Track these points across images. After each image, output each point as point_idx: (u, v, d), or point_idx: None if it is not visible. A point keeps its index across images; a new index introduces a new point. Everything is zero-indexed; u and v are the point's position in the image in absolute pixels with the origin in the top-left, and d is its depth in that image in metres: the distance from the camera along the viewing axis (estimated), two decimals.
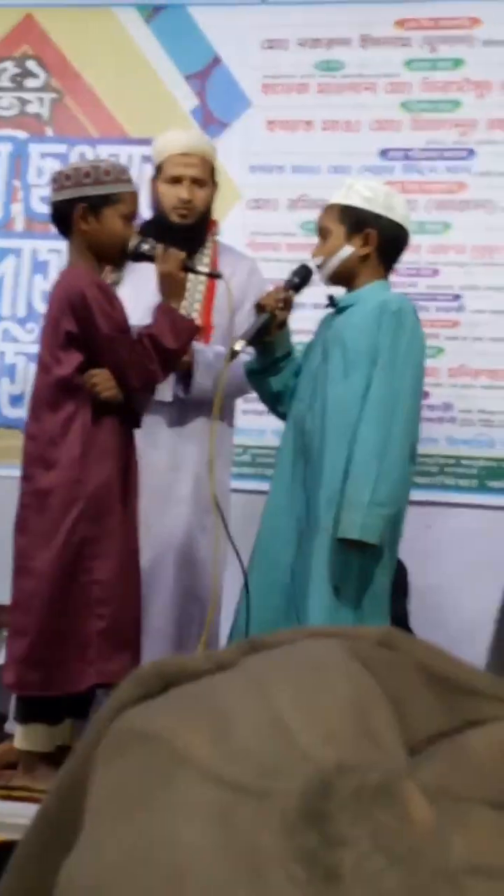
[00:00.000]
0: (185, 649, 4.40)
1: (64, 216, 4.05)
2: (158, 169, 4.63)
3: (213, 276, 4.36)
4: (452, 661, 0.53)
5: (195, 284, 4.54)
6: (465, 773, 0.48)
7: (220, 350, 4.43)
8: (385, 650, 0.54)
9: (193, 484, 4.53)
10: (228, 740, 0.49)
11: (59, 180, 4.09)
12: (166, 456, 4.52)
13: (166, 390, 4.43)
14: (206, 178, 4.61)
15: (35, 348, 5.66)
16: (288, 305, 4.23)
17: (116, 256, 4.10)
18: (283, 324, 4.25)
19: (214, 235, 4.71)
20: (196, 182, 4.57)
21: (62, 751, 4.01)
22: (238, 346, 4.13)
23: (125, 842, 0.48)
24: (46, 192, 5.78)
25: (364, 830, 0.45)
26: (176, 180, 4.55)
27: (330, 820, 0.45)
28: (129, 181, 4.12)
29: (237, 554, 4.10)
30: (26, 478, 4.06)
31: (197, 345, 4.42)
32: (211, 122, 5.86)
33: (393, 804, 0.46)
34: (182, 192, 4.54)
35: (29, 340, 5.87)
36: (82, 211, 4.00)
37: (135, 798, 0.49)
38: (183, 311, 4.23)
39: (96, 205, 4.01)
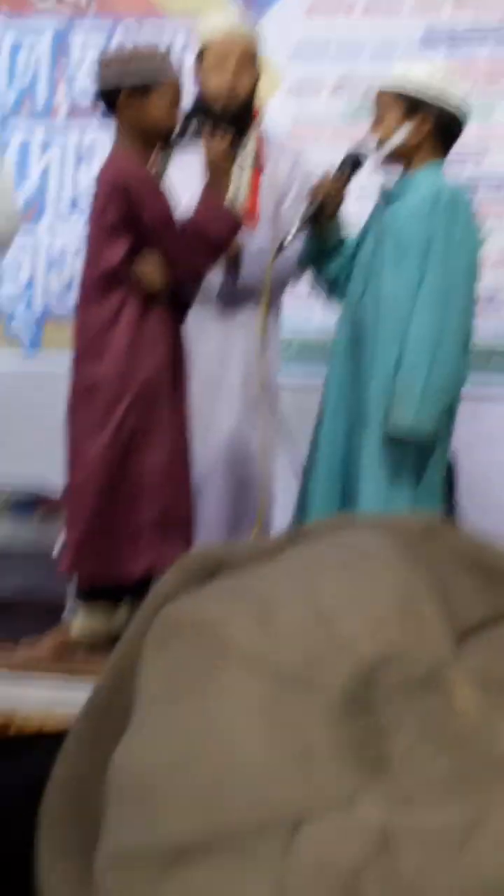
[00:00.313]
0: (239, 539, 4.41)
1: (110, 101, 4.02)
2: (200, 55, 4.57)
3: (259, 168, 4.31)
4: (496, 550, 0.54)
5: (241, 172, 4.49)
6: None
7: (265, 245, 4.39)
8: (430, 540, 0.54)
9: (243, 376, 4.51)
10: (274, 630, 0.50)
11: (105, 64, 4.06)
12: (215, 347, 4.50)
13: (213, 283, 4.41)
14: (248, 64, 4.54)
15: (80, 238, 5.67)
16: (340, 194, 4.19)
17: (163, 141, 4.07)
18: (335, 212, 4.22)
19: (258, 125, 4.65)
20: (239, 68, 4.50)
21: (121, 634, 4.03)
22: (288, 237, 4.11)
23: (174, 733, 0.50)
24: (90, 76, 5.76)
25: (411, 718, 0.46)
26: (219, 66, 4.49)
27: (377, 709, 0.46)
28: (172, 68, 4.08)
29: (291, 442, 4.10)
30: (75, 370, 4.06)
31: (245, 234, 4.39)
32: (251, 5, 5.77)
33: (439, 693, 0.47)
34: (225, 77, 4.48)
35: (75, 230, 5.83)
36: (127, 95, 3.97)
37: (183, 686, 0.50)
38: (228, 201, 4.20)
39: (141, 89, 3.97)
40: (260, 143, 4.60)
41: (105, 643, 4.06)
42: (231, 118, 4.36)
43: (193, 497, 4.17)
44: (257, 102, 4.63)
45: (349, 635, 0.48)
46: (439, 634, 0.49)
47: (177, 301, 4.07)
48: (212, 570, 0.55)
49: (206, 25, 4.64)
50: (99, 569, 3.99)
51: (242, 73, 4.50)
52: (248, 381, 4.49)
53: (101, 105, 4.08)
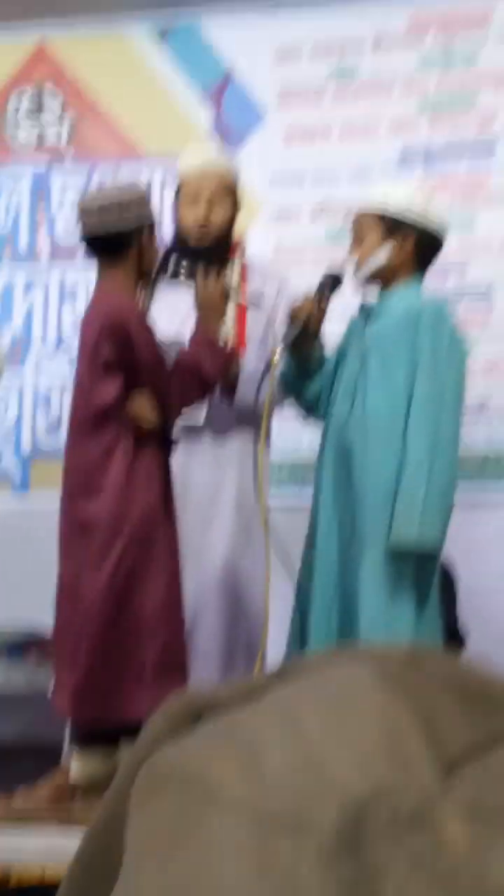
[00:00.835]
0: (234, 670, 4.38)
1: (120, 242, 4.02)
2: (178, 191, 4.60)
3: (253, 304, 4.34)
4: (484, 677, 0.53)
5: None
6: (497, 788, 0.47)
7: (255, 371, 4.40)
8: (414, 670, 0.53)
9: (235, 505, 4.50)
10: (261, 773, 0.49)
11: (120, 206, 4.04)
12: (209, 476, 4.50)
13: (198, 414, 4.41)
14: (224, 197, 4.55)
15: (66, 376, 5.69)
16: (320, 313, 4.21)
17: (148, 278, 4.13)
18: (317, 332, 4.23)
19: (241, 256, 4.65)
20: (213, 202, 4.52)
21: None
22: (276, 357, 4.13)
23: (165, 883, 0.48)
24: (69, 219, 5.84)
25: (401, 857, 0.45)
26: (193, 200, 4.52)
27: (367, 848, 0.46)
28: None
29: (286, 568, 4.08)
30: (68, 508, 4.05)
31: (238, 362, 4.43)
32: (228, 137, 5.86)
33: (428, 828, 0.47)
34: (198, 211, 4.50)
35: (61, 369, 5.87)
36: (149, 232, 4.02)
37: (172, 838, 0.49)
38: (221, 336, 4.23)
39: (148, 229, 4.04)
40: (244, 271, 4.62)
41: (104, 788, 3.99)
42: (207, 251, 4.39)
43: (188, 630, 4.15)
44: (237, 234, 4.64)
45: (336, 776, 0.47)
46: (426, 768, 0.48)
47: (165, 437, 4.08)
48: (197, 714, 0.54)
49: (182, 161, 4.68)
50: (100, 712, 3.94)
51: (216, 205, 4.50)
52: (240, 508, 4.47)
53: (91, 249, 4.10)
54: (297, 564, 4.18)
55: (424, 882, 0.45)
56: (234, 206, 4.58)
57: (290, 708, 0.51)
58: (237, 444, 4.52)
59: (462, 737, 0.50)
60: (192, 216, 4.49)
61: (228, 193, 4.57)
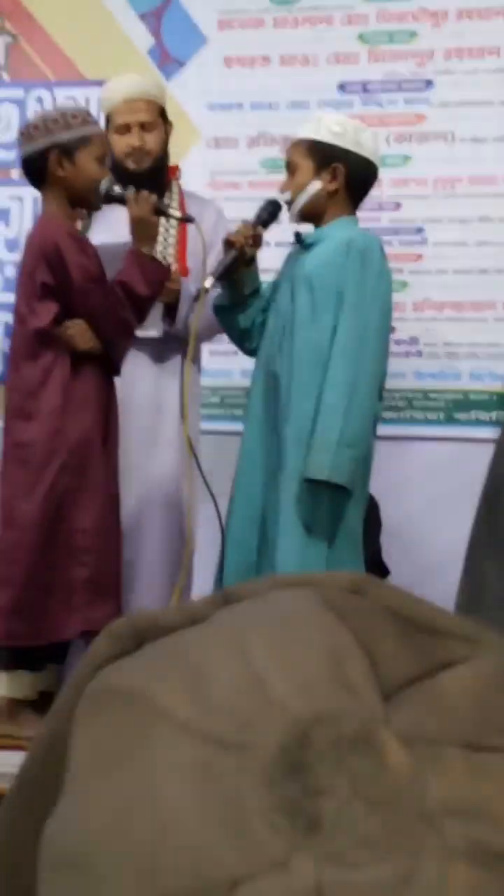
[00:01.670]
0: (172, 587, 4.41)
1: (37, 166, 4.03)
2: (108, 119, 4.59)
3: (186, 220, 4.32)
4: (422, 604, 0.54)
5: (167, 229, 4.52)
6: (439, 716, 0.49)
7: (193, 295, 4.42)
8: (355, 596, 0.54)
9: (177, 425, 4.53)
10: (205, 695, 0.49)
11: (28, 132, 4.08)
12: (149, 397, 4.51)
13: (153, 326, 4.41)
14: (155, 120, 4.56)
15: (1, 298, 5.65)
16: (257, 242, 4.22)
17: (92, 199, 4.09)
18: (251, 260, 4.24)
19: (177, 179, 4.67)
20: (144, 126, 4.52)
21: (45, 697, 4.03)
22: (207, 283, 4.14)
23: (106, 801, 0.49)
24: (6, 138, 5.78)
25: (343, 779, 0.46)
26: (125, 128, 4.51)
27: (309, 770, 0.46)
28: (96, 123, 4.14)
29: (212, 496, 4.11)
30: (7, 430, 4.06)
31: (184, 280, 4.42)
32: (167, 60, 5.81)
33: (370, 752, 0.47)
34: (131, 139, 4.50)
35: None
36: (57, 156, 3.99)
37: (114, 757, 0.50)
38: (157, 256, 4.22)
39: (69, 149, 4.01)
40: (181, 196, 4.63)
41: (29, 705, 4.04)
42: (144, 176, 4.39)
43: (129, 551, 4.17)
44: (175, 156, 4.65)
45: (280, 698, 0.48)
46: (369, 693, 0.49)
47: (107, 359, 4.08)
48: (141, 637, 0.55)
49: (107, 89, 4.66)
50: (31, 632, 3.96)
51: (149, 131, 4.52)
52: (180, 429, 4.50)
53: (29, 173, 4.09)
54: (224, 488, 4.21)
55: (365, 803, 0.45)
56: (166, 130, 4.59)
57: (235, 631, 0.52)
58: (176, 367, 4.54)
59: (403, 665, 0.51)
60: (125, 143, 4.49)
61: (159, 117, 4.58)
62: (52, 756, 0.55)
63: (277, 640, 0.51)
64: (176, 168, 4.68)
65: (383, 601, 0.53)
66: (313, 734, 0.47)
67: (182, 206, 4.56)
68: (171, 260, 4.44)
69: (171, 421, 4.55)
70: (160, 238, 4.35)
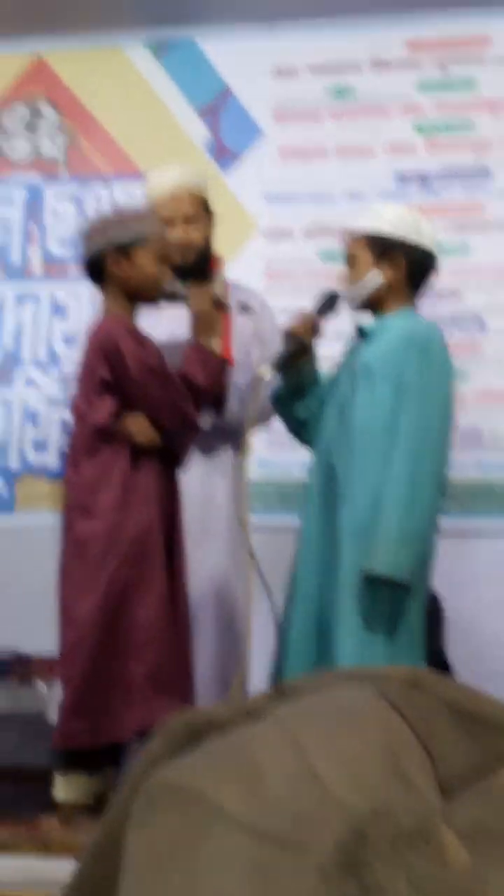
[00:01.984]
0: (226, 688, 4.37)
1: (97, 266, 4.08)
2: None
3: (244, 310, 4.31)
4: (482, 699, 0.50)
5: None
6: (498, 812, 0.45)
7: (242, 386, 4.42)
8: (414, 691, 0.50)
9: (227, 520, 4.52)
10: (261, 792, 0.49)
11: (86, 232, 4.14)
12: (198, 488, 4.51)
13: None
14: (198, 212, 4.59)
15: (56, 392, 5.66)
16: (316, 331, 4.20)
17: (152, 297, 4.12)
18: (310, 350, 4.22)
19: (221, 270, 4.67)
20: (188, 219, 4.55)
21: (101, 801, 3.97)
22: (265, 372, 4.12)
23: None
24: (63, 234, 5.83)
25: (402, 877, 0.43)
26: (169, 222, 4.53)
27: (367, 868, 0.43)
28: (154, 221, 4.14)
29: (268, 590, 4.05)
30: (66, 526, 4.06)
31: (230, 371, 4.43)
32: (224, 153, 5.85)
33: (428, 848, 0.44)
34: (176, 233, 4.51)
35: (51, 386, 5.84)
36: (114, 255, 4.03)
37: (171, 857, 0.47)
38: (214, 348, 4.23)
39: (126, 248, 4.04)
40: (226, 287, 4.63)
41: (85, 810, 3.98)
42: (191, 269, 4.42)
43: (186, 652, 4.12)
44: (226, 247, 4.66)
45: (336, 793, 0.44)
46: (426, 788, 0.45)
47: (168, 452, 4.08)
48: (196, 734, 0.52)
49: (151, 185, 4.68)
50: (91, 732, 3.92)
51: (193, 223, 4.55)
52: (232, 524, 4.47)
53: (87, 271, 4.15)
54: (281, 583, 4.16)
55: None
56: (210, 221, 4.61)
57: (291, 728, 0.50)
58: (228, 458, 4.52)
59: (461, 758, 0.49)
60: (172, 238, 4.51)
61: (202, 210, 4.61)
62: (108, 856, 0.53)
63: (333, 736, 0.47)
64: (218, 258, 4.68)
65: (442, 695, 0.50)
66: (370, 830, 0.43)
67: (226, 297, 4.57)
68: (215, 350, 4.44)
69: (221, 513, 4.56)
70: None
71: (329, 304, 4.24)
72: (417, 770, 0.44)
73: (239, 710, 0.51)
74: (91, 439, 4.02)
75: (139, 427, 4.01)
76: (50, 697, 4.54)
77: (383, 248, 4.13)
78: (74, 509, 4.04)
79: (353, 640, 3.92)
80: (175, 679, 4.03)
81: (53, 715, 4.12)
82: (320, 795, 0.44)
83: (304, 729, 0.47)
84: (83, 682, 3.91)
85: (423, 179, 5.67)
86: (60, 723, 3.96)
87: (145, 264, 4.06)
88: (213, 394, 4.19)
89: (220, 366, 4.17)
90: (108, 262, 4.05)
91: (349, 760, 0.45)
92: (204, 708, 0.52)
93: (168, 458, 4.11)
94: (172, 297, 4.16)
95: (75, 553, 4.01)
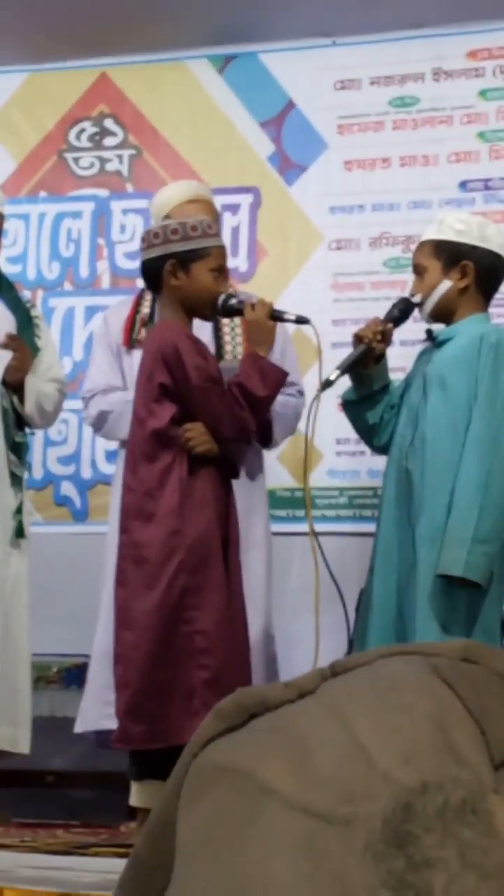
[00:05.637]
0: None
1: (154, 273, 4.10)
2: None
3: (301, 321, 4.31)
4: None
5: (233, 328, 4.58)
6: None
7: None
8: (467, 664, 0.52)
9: (265, 525, 4.60)
10: (310, 769, 0.48)
11: (147, 239, 4.16)
12: (240, 499, 4.51)
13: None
14: (216, 220, 4.65)
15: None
16: (386, 338, 4.21)
17: (207, 310, 4.14)
18: (381, 356, 4.23)
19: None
20: None
21: None
22: (333, 375, 4.14)
23: (216, 880, 0.48)
24: (130, 248, 5.88)
25: (452, 850, 0.44)
26: None
27: (416, 842, 0.44)
28: (216, 235, 4.17)
29: (341, 596, 4.07)
30: (124, 530, 4.07)
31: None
32: (288, 166, 5.88)
33: (479, 821, 0.45)
34: None
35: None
36: (171, 267, 4.05)
37: (222, 835, 0.49)
38: (232, 356, 4.27)
39: (185, 260, 4.06)
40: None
41: None
42: None
43: (248, 658, 4.14)
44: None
45: (383, 768, 0.46)
46: (477, 761, 0.47)
47: (225, 461, 4.10)
48: (248, 713, 0.54)
49: (164, 196, 4.75)
50: (149, 735, 3.93)
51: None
52: (267, 533, 4.62)
53: (147, 278, 4.17)
54: (350, 590, 4.17)
55: (474, 877, 0.44)
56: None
57: (340, 703, 0.51)
58: (260, 466, 4.63)
59: None
60: None
61: (216, 218, 4.70)
62: (162, 837, 0.55)
63: (382, 709, 0.49)
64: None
65: (495, 668, 0.51)
66: (418, 804, 0.44)
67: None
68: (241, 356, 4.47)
69: (260, 522, 4.61)
70: (227, 338, 4.38)
71: (402, 311, 4.24)
72: (468, 744, 0.46)
73: (291, 689, 0.53)
74: (149, 444, 4.04)
75: (197, 435, 4.03)
76: None
77: (451, 255, 4.14)
78: (133, 513, 4.06)
79: (430, 640, 3.93)
80: (235, 684, 4.02)
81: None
82: (367, 769, 0.46)
83: (352, 704, 0.49)
84: (142, 684, 3.93)
85: (487, 186, 5.68)
86: (118, 725, 3.98)
87: (203, 278, 4.07)
88: (270, 402, 4.20)
89: (277, 375, 4.17)
90: (165, 272, 4.06)
91: (397, 734, 0.46)
92: (256, 688, 0.54)
93: (224, 465, 4.13)
94: (229, 311, 4.17)
95: (133, 556, 4.02)
